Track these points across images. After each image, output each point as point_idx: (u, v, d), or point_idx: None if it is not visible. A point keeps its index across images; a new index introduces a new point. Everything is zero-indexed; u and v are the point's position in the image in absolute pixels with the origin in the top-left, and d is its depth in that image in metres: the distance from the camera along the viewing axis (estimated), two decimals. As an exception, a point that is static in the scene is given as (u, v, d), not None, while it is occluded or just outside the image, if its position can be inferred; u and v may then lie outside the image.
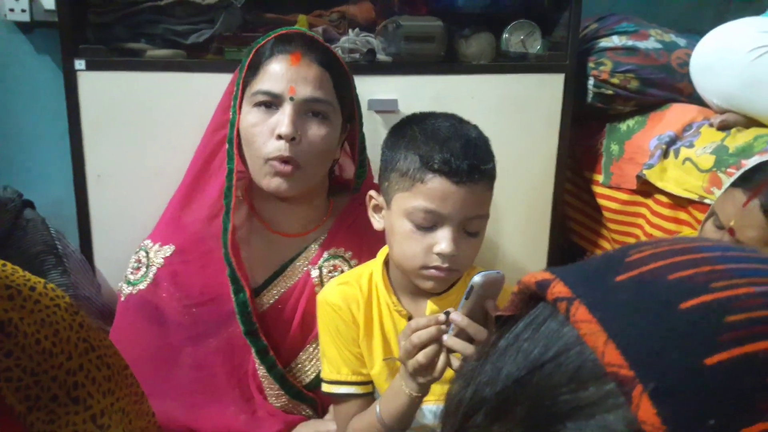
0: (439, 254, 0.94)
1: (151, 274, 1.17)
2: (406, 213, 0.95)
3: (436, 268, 0.95)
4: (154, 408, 0.93)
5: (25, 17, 1.51)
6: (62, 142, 1.37)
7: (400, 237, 0.97)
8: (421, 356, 0.85)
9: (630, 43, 1.60)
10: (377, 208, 1.05)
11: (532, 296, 0.34)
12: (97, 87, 1.33)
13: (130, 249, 1.27)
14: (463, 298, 0.85)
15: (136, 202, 1.38)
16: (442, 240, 0.94)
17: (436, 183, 0.93)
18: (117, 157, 1.37)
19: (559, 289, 0.31)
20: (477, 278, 0.83)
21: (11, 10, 1.50)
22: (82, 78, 1.32)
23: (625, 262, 0.31)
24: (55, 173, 1.63)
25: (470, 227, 0.96)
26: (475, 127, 1.03)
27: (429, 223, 0.94)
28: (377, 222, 1.05)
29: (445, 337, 0.85)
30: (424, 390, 0.90)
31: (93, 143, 1.36)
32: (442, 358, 0.86)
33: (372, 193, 1.05)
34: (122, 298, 1.20)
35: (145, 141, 1.37)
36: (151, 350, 1.15)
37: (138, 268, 1.19)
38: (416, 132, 0.98)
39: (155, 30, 1.40)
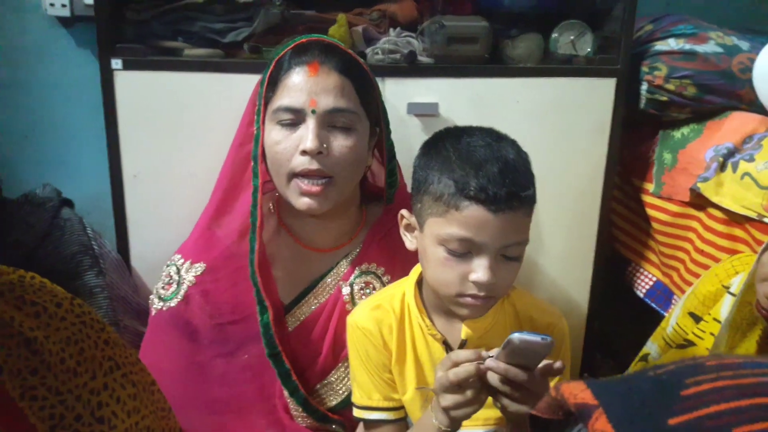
0: (475, 282, 0.89)
1: (182, 292, 1.15)
2: (440, 240, 0.90)
3: (472, 296, 0.90)
4: (183, 424, 0.92)
5: (66, 12, 1.51)
6: (100, 137, 1.36)
7: (434, 263, 0.92)
8: (459, 395, 0.81)
9: (688, 46, 1.52)
10: (409, 228, 1.00)
11: (570, 411, 0.29)
12: (134, 86, 1.32)
13: (165, 249, 1.26)
14: (501, 347, 0.79)
15: (171, 203, 1.37)
16: (479, 268, 0.88)
17: (472, 211, 0.87)
18: (153, 158, 1.36)
19: (602, 426, 0.26)
20: (516, 337, 0.77)
21: (52, 4, 1.50)
22: (119, 77, 1.30)
23: (681, 397, 0.26)
24: (93, 168, 1.63)
25: (509, 252, 0.91)
26: (513, 143, 0.95)
27: (464, 250, 0.89)
28: (409, 242, 1.00)
29: (489, 376, 0.80)
30: (455, 425, 0.86)
31: (129, 143, 1.35)
32: (479, 394, 0.81)
33: (404, 212, 1.00)
34: (153, 313, 1.18)
35: (181, 142, 1.35)
36: (181, 365, 1.14)
37: (169, 284, 1.17)
38: (450, 152, 0.92)
39: (193, 28, 1.38)
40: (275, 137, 1.09)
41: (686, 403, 0.26)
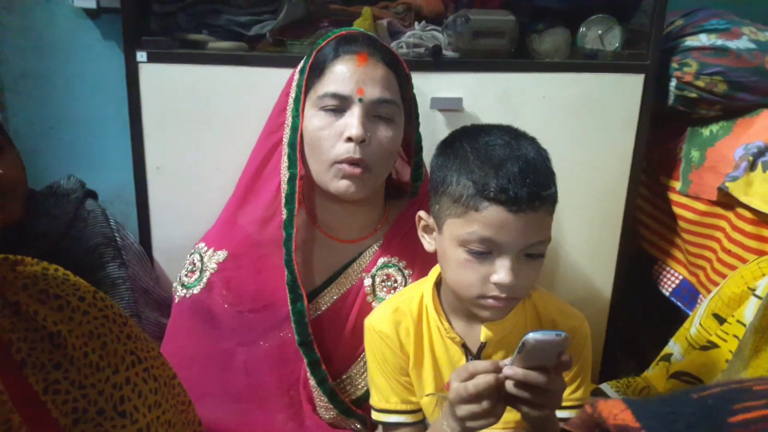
0: (497, 284, 0.87)
1: (204, 279, 1.16)
2: (460, 241, 0.89)
3: (494, 298, 0.89)
4: (203, 413, 0.93)
5: (92, 3, 1.51)
6: (124, 129, 1.37)
7: (454, 265, 0.91)
8: (476, 405, 0.80)
9: (719, 42, 1.48)
10: (427, 229, 0.98)
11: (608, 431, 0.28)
12: (158, 79, 1.32)
13: (188, 241, 1.27)
14: (516, 351, 0.78)
15: (194, 195, 1.38)
16: (500, 270, 0.87)
17: (492, 212, 0.85)
18: (176, 150, 1.36)
19: None
20: (531, 337, 0.76)
21: (78, -4, 1.50)
22: (144, 70, 1.31)
23: (729, 424, 0.25)
24: (117, 160, 1.64)
25: (532, 251, 0.89)
26: (533, 141, 0.93)
27: (485, 251, 0.87)
28: (428, 243, 0.99)
29: (507, 384, 0.79)
30: None
31: (153, 135, 1.35)
32: (496, 405, 0.80)
33: (421, 214, 0.99)
34: (176, 300, 1.19)
35: (204, 134, 1.36)
36: (203, 353, 1.14)
37: (192, 271, 1.18)
38: (468, 152, 0.90)
39: (217, 20, 1.38)
40: (318, 123, 1.09)
41: (734, 430, 0.25)
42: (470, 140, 0.92)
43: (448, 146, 0.95)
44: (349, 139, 1.06)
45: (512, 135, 0.92)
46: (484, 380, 0.79)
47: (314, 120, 1.09)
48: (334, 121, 1.08)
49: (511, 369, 0.79)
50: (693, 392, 0.28)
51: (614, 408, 0.27)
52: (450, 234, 0.90)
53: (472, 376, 0.80)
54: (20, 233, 1.19)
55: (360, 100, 1.07)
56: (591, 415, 0.29)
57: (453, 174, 0.89)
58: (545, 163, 0.90)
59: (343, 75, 1.08)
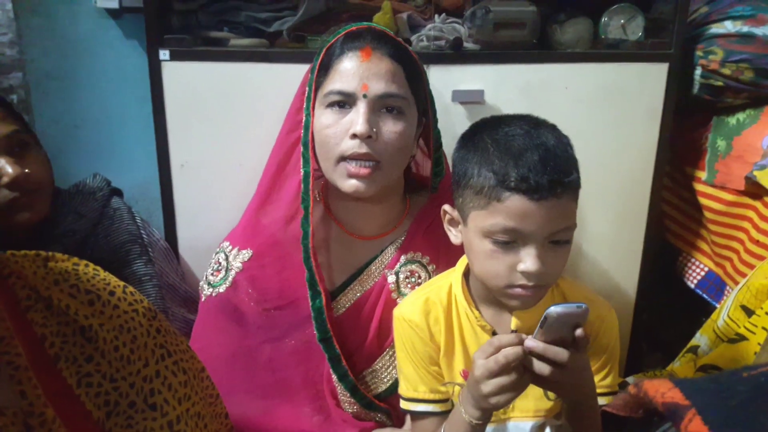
0: (524, 273, 0.87)
1: (230, 278, 1.17)
2: (485, 232, 0.89)
3: (521, 286, 0.89)
4: (230, 407, 0.93)
5: (114, 3, 1.52)
6: (148, 127, 1.38)
7: (481, 256, 0.91)
8: (504, 378, 0.81)
9: (745, 29, 1.45)
10: (453, 222, 0.99)
11: (654, 410, 0.28)
12: (181, 77, 1.33)
13: (213, 237, 1.28)
14: (538, 326, 0.79)
15: (219, 192, 1.39)
16: (527, 258, 0.87)
17: (514, 201, 0.85)
18: (200, 147, 1.37)
19: (697, 427, 0.25)
20: (553, 310, 0.77)
21: (101, -4, 1.52)
22: (167, 68, 1.32)
23: None
24: (142, 158, 1.65)
25: (557, 238, 0.89)
26: (554, 129, 0.93)
27: (510, 240, 0.88)
28: (454, 237, 0.99)
29: (535, 363, 0.80)
30: (485, 417, 0.86)
31: (177, 133, 1.36)
32: (521, 377, 0.81)
33: (446, 207, 0.99)
34: (203, 298, 1.20)
35: (227, 131, 1.36)
36: (230, 350, 1.15)
37: (218, 270, 1.19)
38: (488, 143, 0.90)
39: (238, 18, 1.39)
40: (325, 121, 1.09)
41: None
42: (490, 132, 0.92)
43: (468, 139, 0.95)
44: (354, 136, 1.06)
45: (532, 124, 0.92)
46: (513, 351, 0.80)
47: (322, 118, 1.10)
48: (340, 118, 1.08)
49: (533, 341, 0.80)
50: (744, 371, 0.27)
51: (661, 386, 0.27)
52: (475, 226, 0.91)
53: (497, 350, 0.81)
54: (47, 231, 1.21)
55: (364, 96, 1.06)
56: (636, 395, 0.29)
57: (474, 166, 0.90)
58: (566, 149, 0.90)
59: (347, 72, 1.08)
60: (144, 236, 1.31)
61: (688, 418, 0.25)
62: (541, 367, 0.80)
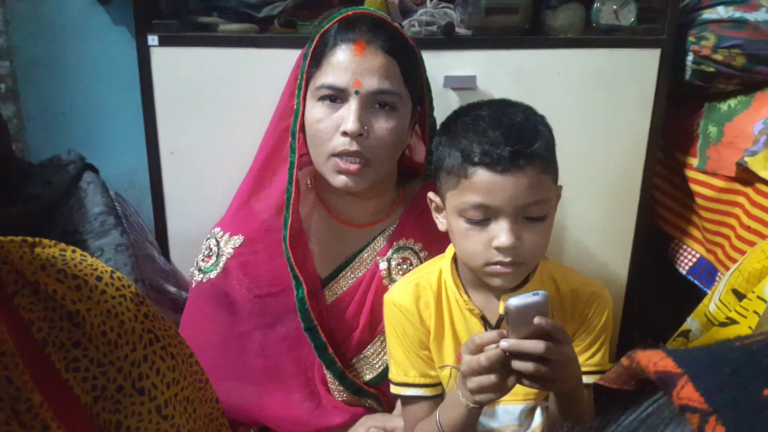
0: (498, 248, 0.88)
1: (221, 264, 1.16)
2: (458, 211, 0.91)
3: (499, 263, 0.90)
4: (221, 394, 0.93)
5: (102, -11, 1.51)
6: (137, 114, 1.37)
7: (458, 236, 0.93)
8: (485, 378, 0.81)
9: (737, 14, 1.45)
10: (438, 209, 1.00)
11: (647, 380, 0.28)
12: (170, 63, 1.32)
13: (203, 225, 1.27)
14: (505, 323, 0.80)
15: (208, 179, 1.38)
16: (500, 233, 0.88)
17: (479, 176, 0.88)
18: (190, 134, 1.36)
19: (689, 394, 0.24)
20: (510, 302, 0.77)
21: (89, -19, 1.50)
22: (155, 54, 1.30)
23: None
24: (130, 145, 1.64)
25: (530, 213, 0.90)
26: (526, 108, 0.95)
27: (482, 217, 0.89)
28: (440, 223, 1.00)
29: (514, 362, 0.80)
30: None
31: (166, 120, 1.35)
32: (505, 378, 0.81)
33: (431, 194, 1.00)
34: (194, 285, 1.19)
35: (217, 118, 1.35)
36: (221, 337, 1.15)
37: (209, 256, 1.18)
38: (458, 126, 0.93)
39: (227, 3, 1.38)
40: (316, 115, 1.08)
41: None
42: (463, 116, 0.95)
43: (443, 126, 0.99)
44: (345, 133, 1.05)
45: (503, 105, 0.95)
46: (495, 352, 0.80)
47: (313, 111, 1.08)
48: (331, 113, 1.06)
49: (506, 341, 0.79)
50: (734, 341, 0.27)
51: (654, 356, 0.27)
52: (450, 207, 0.93)
53: (479, 348, 0.82)
54: (8, 194, 1.20)
55: (356, 92, 1.05)
56: (628, 366, 0.29)
57: (445, 149, 0.93)
58: (533, 124, 0.92)
59: (339, 66, 1.05)
60: (118, 209, 1.31)
61: (681, 384, 0.25)
62: (523, 365, 0.80)
